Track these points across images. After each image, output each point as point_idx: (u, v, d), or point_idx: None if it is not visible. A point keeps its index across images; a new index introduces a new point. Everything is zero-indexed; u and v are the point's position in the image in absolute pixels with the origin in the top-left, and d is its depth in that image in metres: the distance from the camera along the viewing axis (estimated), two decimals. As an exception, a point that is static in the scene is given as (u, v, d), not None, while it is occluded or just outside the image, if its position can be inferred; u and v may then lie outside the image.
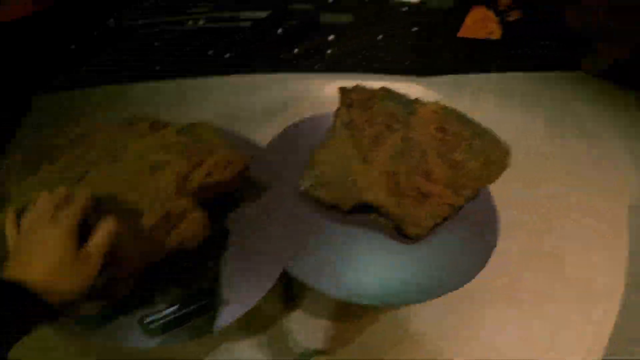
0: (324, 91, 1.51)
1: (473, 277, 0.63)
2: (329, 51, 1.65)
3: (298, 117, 0.84)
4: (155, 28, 1.41)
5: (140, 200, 0.56)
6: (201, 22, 1.44)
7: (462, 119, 0.73)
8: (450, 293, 0.61)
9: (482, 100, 1.75)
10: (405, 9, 1.59)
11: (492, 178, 0.69)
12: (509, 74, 2.00)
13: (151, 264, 0.56)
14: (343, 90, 0.76)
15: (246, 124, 1.17)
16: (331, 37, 1.59)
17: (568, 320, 0.93)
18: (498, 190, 1.07)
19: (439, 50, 1.80)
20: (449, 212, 0.66)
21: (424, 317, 0.86)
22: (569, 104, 1.93)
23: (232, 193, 0.67)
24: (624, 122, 1.89)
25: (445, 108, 0.74)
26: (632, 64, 2.18)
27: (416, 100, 0.76)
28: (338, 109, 0.75)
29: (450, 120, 0.71)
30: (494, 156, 0.69)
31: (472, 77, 1.87)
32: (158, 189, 0.57)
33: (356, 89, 0.76)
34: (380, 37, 1.65)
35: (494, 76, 1.93)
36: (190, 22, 1.43)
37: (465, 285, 0.63)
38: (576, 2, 2.00)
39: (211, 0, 1.44)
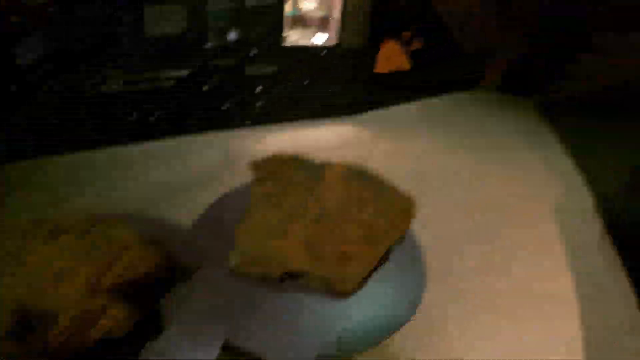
0: (259, 147, 1.53)
1: (414, 311, 0.68)
2: (258, 103, 1.70)
3: (233, 181, 0.86)
4: (64, 94, 1.34)
5: (52, 305, 0.55)
6: (117, 86, 1.40)
7: (366, 179, 0.80)
8: (411, 331, 0.66)
9: (408, 128, 1.81)
10: (324, 52, 1.68)
11: (402, 229, 0.76)
12: (425, 101, 2.10)
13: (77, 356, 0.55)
14: (254, 165, 0.80)
15: (179, 194, 1.12)
16: (259, 89, 1.63)
17: (533, 331, 0.95)
18: (430, 219, 1.12)
19: (361, 88, 1.91)
20: (372, 267, 0.71)
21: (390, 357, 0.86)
22: (479, 121, 2.14)
23: (161, 278, 0.65)
24: (528, 130, 2.10)
25: (349, 169, 0.80)
26: (522, 74, 2.52)
27: (323, 165, 0.82)
28: (252, 184, 0.79)
29: (354, 182, 0.78)
30: (399, 211, 0.76)
31: (394, 109, 1.97)
32: (68, 293, 0.56)
33: (266, 161, 0.81)
34: (306, 82, 1.73)
35: (412, 105, 2.02)
36: (105, 86, 1.39)
37: (419, 318, 0.68)
38: (463, 25, 2.27)
39: (127, 60, 1.42)
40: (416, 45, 2.10)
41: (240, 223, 0.73)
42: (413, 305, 0.70)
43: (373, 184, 0.80)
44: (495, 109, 2.22)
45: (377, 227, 0.73)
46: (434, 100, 2.17)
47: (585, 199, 1.47)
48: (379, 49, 1.92)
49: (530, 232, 1.29)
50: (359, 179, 0.80)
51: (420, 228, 0.84)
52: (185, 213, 0.85)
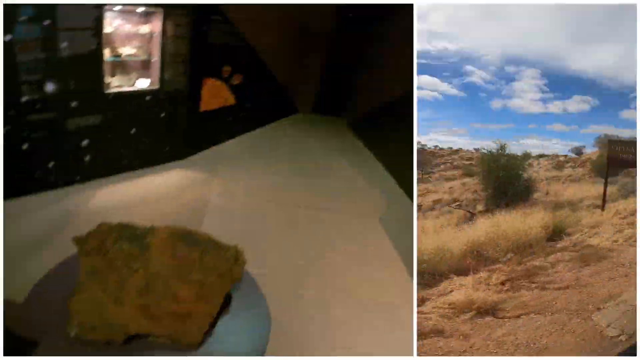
0: (91, 204, 1.48)
1: (266, 343, 0.81)
2: (86, 158, 1.62)
3: (65, 246, 0.87)
4: None
5: None
6: None
7: (190, 240, 0.87)
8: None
9: (239, 165, 1.98)
10: (148, 97, 1.71)
11: (234, 278, 0.86)
12: (252, 133, 2.32)
13: None
14: (78, 240, 0.82)
15: (5, 264, 1.05)
16: (85, 142, 1.58)
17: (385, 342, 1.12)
18: (268, 258, 1.22)
19: (191, 128, 1.97)
20: (212, 319, 0.81)
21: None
22: (302, 145, 2.35)
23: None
24: (345, 147, 2.37)
25: (174, 233, 0.87)
26: (327, 97, 2.89)
27: (150, 231, 0.87)
28: (79, 258, 0.82)
29: (179, 245, 0.85)
30: (227, 263, 0.86)
31: (224, 146, 2.12)
32: None
33: (90, 235, 0.83)
34: (133, 130, 1.74)
35: (241, 139, 2.22)
36: None
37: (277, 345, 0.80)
38: (275, 58, 2.46)
39: None
40: (237, 79, 2.28)
41: (74, 295, 0.78)
42: (265, 338, 0.82)
43: (198, 243, 0.87)
44: (314, 132, 2.48)
45: (208, 282, 0.82)
46: (261, 131, 2.36)
47: (406, 208, 1.70)
48: (201, 88, 2.04)
49: (365, 249, 1.45)
50: (184, 240, 0.87)
51: (259, 269, 0.98)
52: (14, 285, 0.87)
